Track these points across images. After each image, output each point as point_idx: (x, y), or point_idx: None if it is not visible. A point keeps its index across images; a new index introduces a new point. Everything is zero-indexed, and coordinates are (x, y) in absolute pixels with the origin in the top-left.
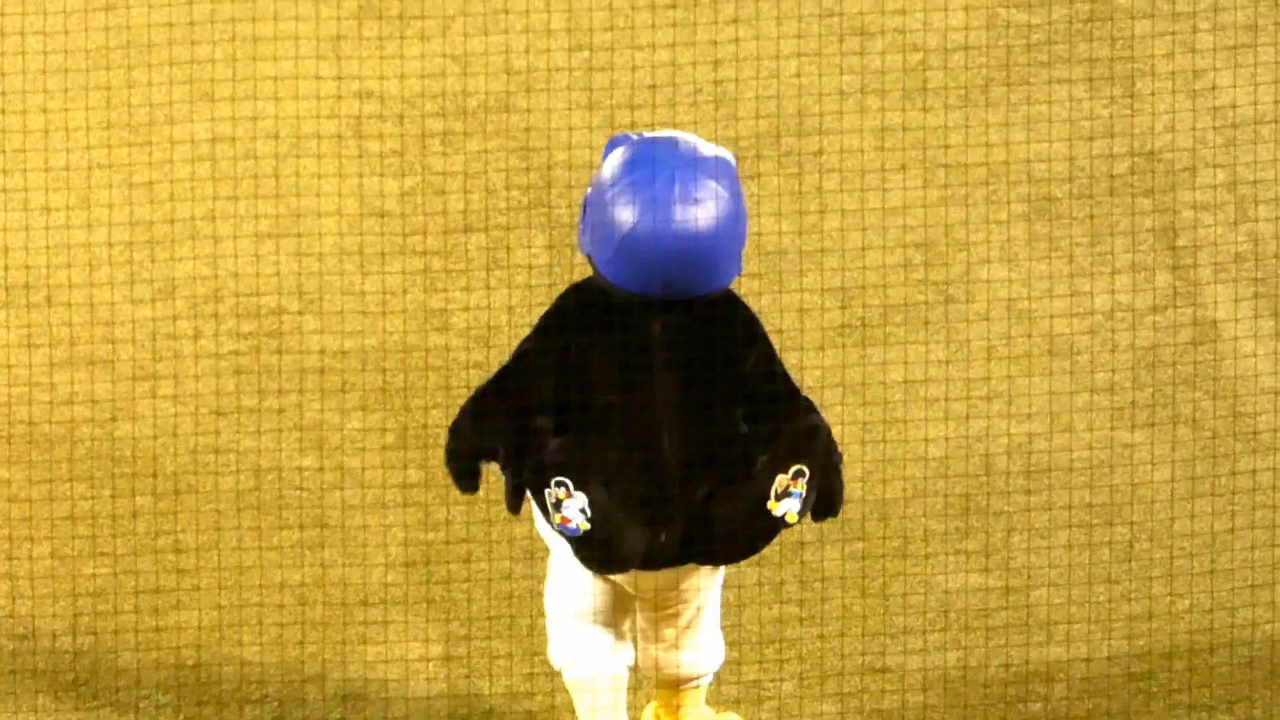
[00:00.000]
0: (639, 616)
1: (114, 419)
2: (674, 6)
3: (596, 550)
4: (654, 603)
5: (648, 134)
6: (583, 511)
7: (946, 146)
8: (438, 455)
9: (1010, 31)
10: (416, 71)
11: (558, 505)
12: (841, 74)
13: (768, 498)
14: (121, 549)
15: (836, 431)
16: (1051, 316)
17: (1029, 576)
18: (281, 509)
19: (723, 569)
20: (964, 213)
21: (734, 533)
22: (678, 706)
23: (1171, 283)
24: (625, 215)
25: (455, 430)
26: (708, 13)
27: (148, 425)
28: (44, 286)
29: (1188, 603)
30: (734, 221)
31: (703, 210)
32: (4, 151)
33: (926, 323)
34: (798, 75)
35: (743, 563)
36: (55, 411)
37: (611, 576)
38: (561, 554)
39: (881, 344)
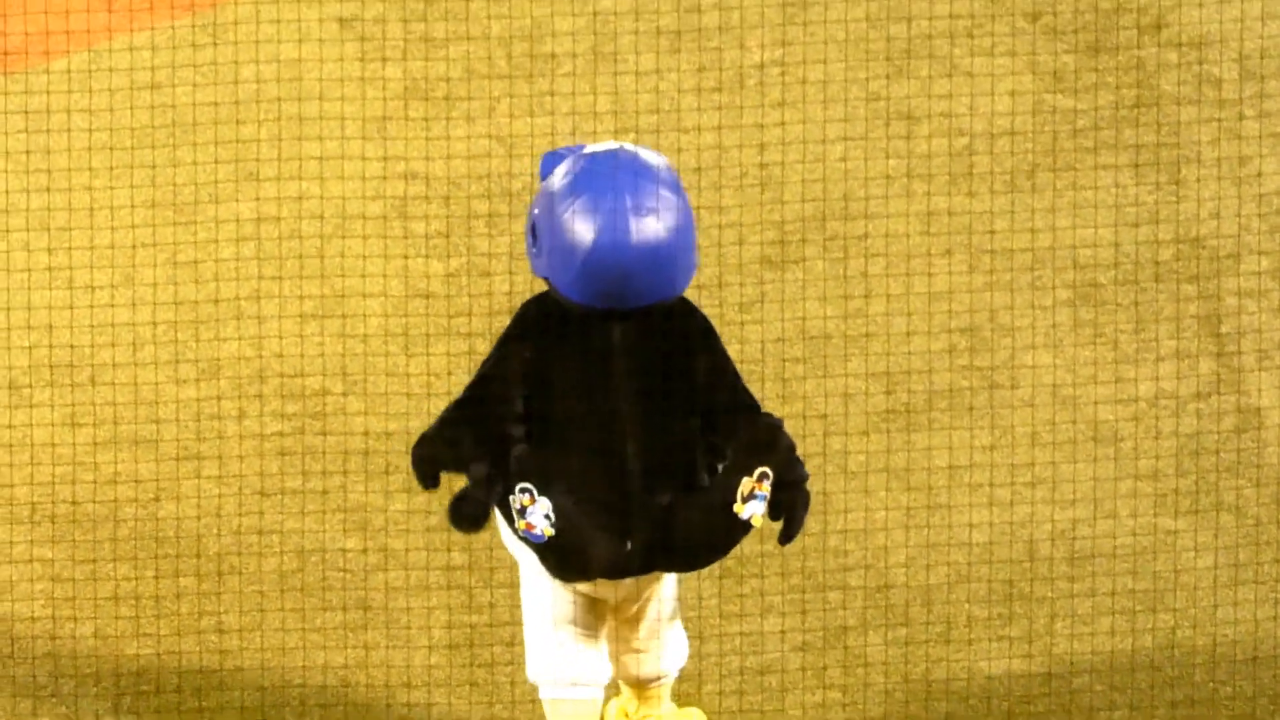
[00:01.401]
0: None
1: (157, 499)
2: (719, 90)
3: (562, 557)
4: (618, 609)
5: (587, 148)
6: (547, 517)
7: (992, 232)
8: (482, 538)
9: (1056, 117)
10: (462, 153)
11: (522, 511)
12: (887, 158)
13: (733, 501)
14: (164, 630)
15: (879, 516)
16: (1095, 403)
17: (1071, 663)
18: (325, 591)
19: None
20: (1009, 298)
21: (698, 539)
22: (642, 704)
23: (1215, 370)
24: (583, 234)
25: (426, 451)
26: (754, 96)
27: (191, 506)
28: (87, 366)
29: (1230, 690)
30: (687, 226)
31: (658, 220)
32: (49, 230)
33: (971, 408)
34: (843, 159)
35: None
36: (98, 491)
37: (578, 585)
38: (530, 564)
39: (926, 429)
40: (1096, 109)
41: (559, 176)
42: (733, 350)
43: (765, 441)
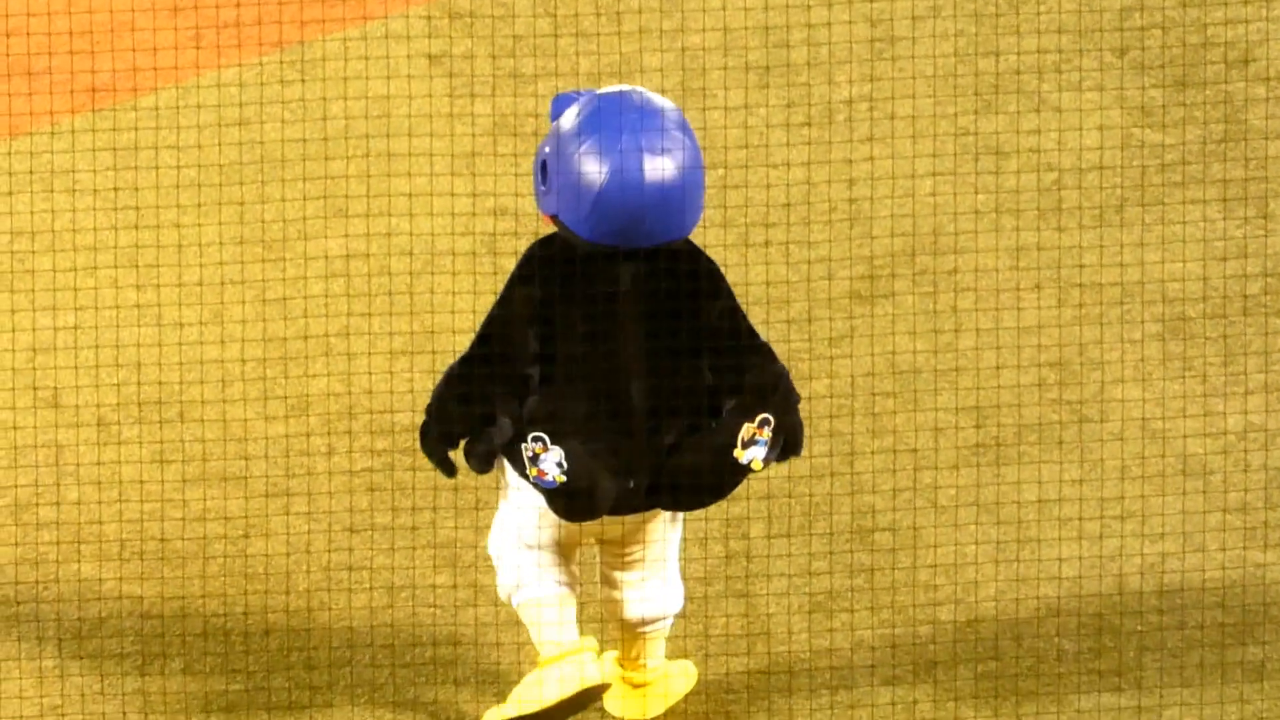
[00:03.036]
0: (600, 562)
1: (247, 536)
2: (809, 124)
3: (570, 501)
4: (616, 548)
5: (598, 91)
6: (559, 465)
7: (1081, 266)
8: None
9: (1144, 152)
10: None
11: (535, 459)
12: (976, 193)
13: (734, 446)
14: (254, 666)
15: (969, 551)
16: (1185, 436)
17: (1161, 696)
18: (415, 626)
19: (682, 515)
20: (1098, 332)
21: (700, 480)
22: (637, 655)
23: None
24: (595, 172)
25: (439, 414)
26: (842, 131)
27: (280, 542)
28: (176, 403)
29: None
30: (696, 168)
31: (669, 159)
32: (137, 267)
33: (1060, 442)
34: (933, 194)
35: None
36: (188, 528)
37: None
38: (520, 496)
39: (1015, 463)
40: (1185, 143)
41: (570, 116)
42: (822, 385)
43: (769, 388)
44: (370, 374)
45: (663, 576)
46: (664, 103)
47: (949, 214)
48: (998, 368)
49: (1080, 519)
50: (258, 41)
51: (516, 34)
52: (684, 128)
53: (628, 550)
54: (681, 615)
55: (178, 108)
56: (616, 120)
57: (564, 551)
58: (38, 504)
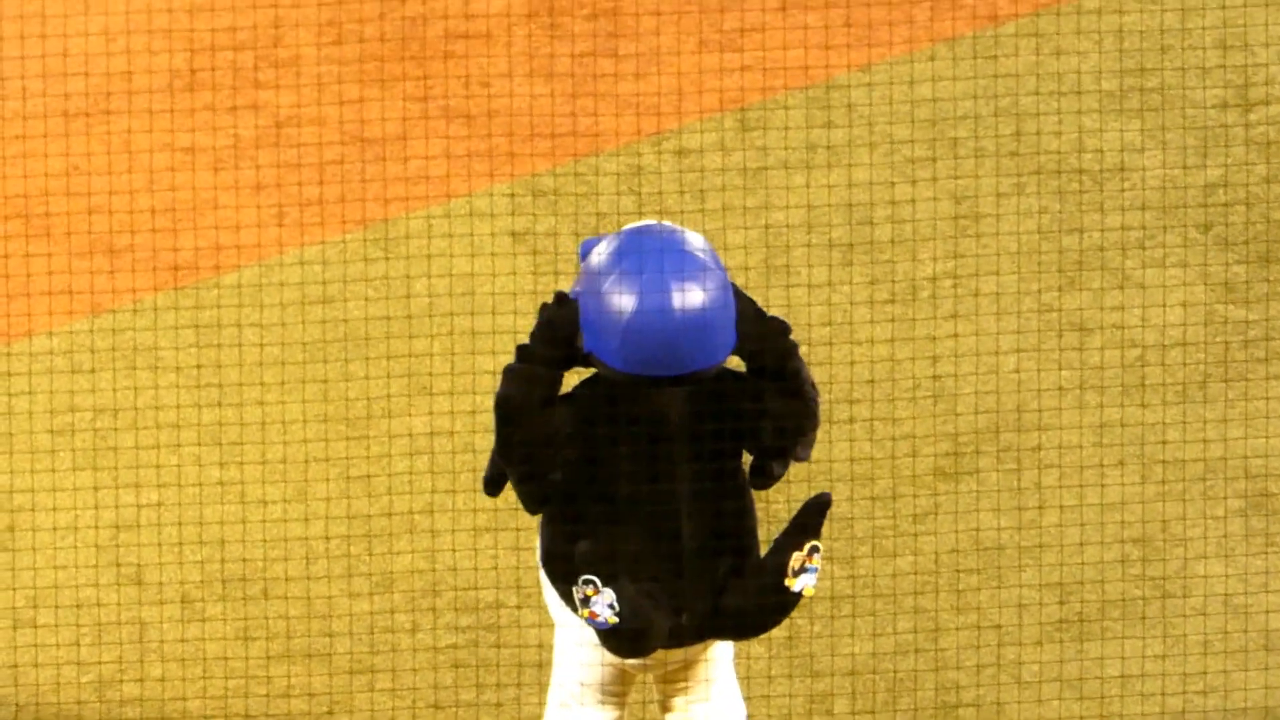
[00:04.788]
0: (654, 690)
1: (331, 713)
2: (892, 301)
3: (622, 640)
4: (666, 676)
5: (624, 228)
6: (611, 606)
7: (1164, 442)
8: None
9: (1228, 328)
10: None
11: (586, 601)
12: (1060, 369)
13: (785, 575)
14: None
15: None
16: (1267, 612)
17: None
18: None
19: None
20: (1181, 508)
21: (750, 610)
22: None
23: None
24: (625, 302)
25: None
26: (926, 308)
27: (365, 719)
28: (260, 579)
29: None
30: (725, 293)
31: (696, 287)
32: (220, 444)
33: (1143, 618)
34: (1016, 371)
35: None
36: (271, 705)
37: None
38: (569, 631)
39: (1099, 639)
40: (1268, 319)
41: (598, 254)
42: (905, 561)
43: (815, 513)
44: (454, 551)
45: (709, 697)
46: (690, 234)
47: (1032, 390)
48: (1081, 544)
49: (1163, 694)
50: (341, 219)
51: (600, 211)
52: (712, 257)
53: (677, 679)
54: None
55: (260, 285)
56: (644, 253)
57: (621, 693)
58: (122, 680)
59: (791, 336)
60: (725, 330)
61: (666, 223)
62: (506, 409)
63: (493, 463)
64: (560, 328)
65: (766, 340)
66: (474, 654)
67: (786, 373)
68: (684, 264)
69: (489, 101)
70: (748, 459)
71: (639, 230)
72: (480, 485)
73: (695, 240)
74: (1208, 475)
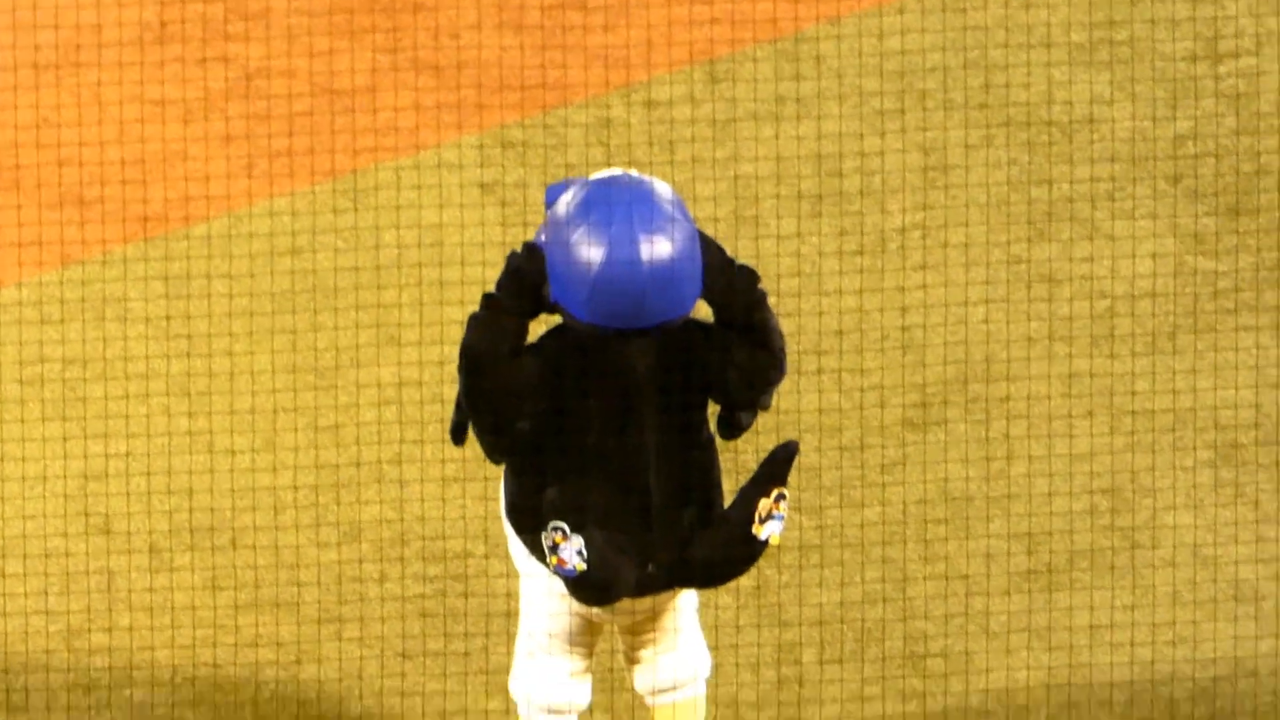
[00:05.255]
0: (619, 640)
1: (299, 662)
2: (861, 253)
3: (590, 588)
4: (632, 627)
5: (590, 177)
6: (579, 554)
7: (1133, 393)
8: (625, 698)
9: (1197, 279)
10: None
11: (554, 548)
12: (1029, 320)
13: (752, 523)
14: None
15: (1021, 676)
16: (1237, 562)
17: None
18: None
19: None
20: (1150, 459)
21: (719, 564)
22: None
23: None
24: (593, 254)
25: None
26: (895, 259)
27: (333, 668)
28: (229, 529)
29: None
30: (693, 245)
31: (665, 238)
32: (189, 395)
33: (1112, 568)
34: (985, 321)
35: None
36: (240, 654)
37: (597, 609)
38: (535, 581)
39: (1067, 589)
40: (1237, 270)
41: (565, 203)
42: (874, 511)
43: (782, 460)
44: (422, 501)
45: (675, 647)
46: (658, 184)
47: (1001, 341)
48: (1049, 494)
49: (1132, 644)
50: (310, 170)
51: (569, 163)
52: (679, 205)
53: (641, 628)
54: (711, 680)
55: (229, 236)
56: (610, 203)
57: (586, 643)
58: (90, 630)
59: (760, 286)
60: (693, 281)
61: (633, 172)
62: (472, 358)
63: (458, 410)
64: (527, 277)
65: (734, 291)
66: (442, 604)
67: (754, 323)
68: (652, 215)
69: (458, 53)
70: (714, 410)
71: (606, 180)
72: (448, 435)
73: (662, 191)
74: (1177, 426)
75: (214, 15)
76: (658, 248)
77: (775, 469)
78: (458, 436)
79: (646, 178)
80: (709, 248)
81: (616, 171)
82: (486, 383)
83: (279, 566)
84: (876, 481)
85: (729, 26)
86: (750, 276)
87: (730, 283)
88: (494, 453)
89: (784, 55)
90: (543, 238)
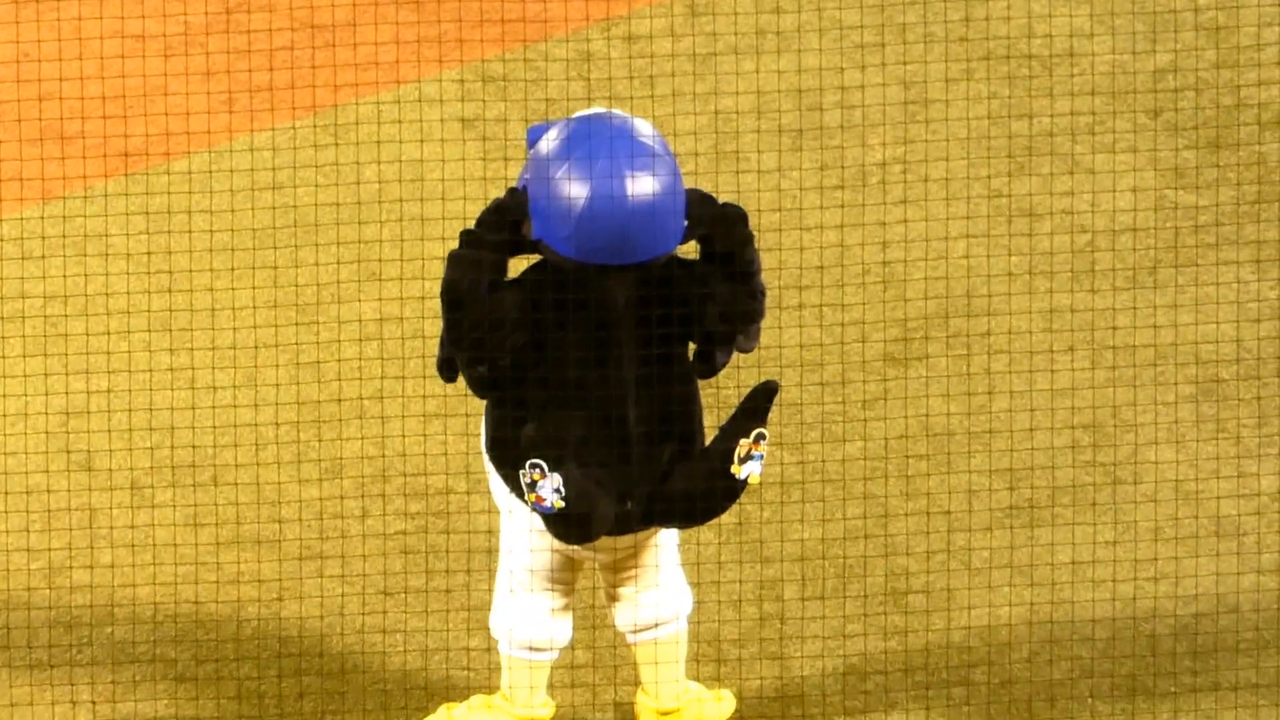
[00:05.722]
0: (600, 578)
1: (280, 599)
2: (842, 187)
3: (568, 525)
4: (613, 565)
5: (573, 116)
6: (557, 491)
7: (1114, 328)
8: (606, 635)
9: (1178, 213)
10: None
11: (532, 485)
12: (1009, 255)
13: (731, 462)
14: None
15: (1002, 612)
16: (1218, 498)
17: None
18: (449, 689)
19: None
20: (1131, 394)
21: (698, 500)
22: (652, 676)
23: None
24: (578, 191)
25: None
26: (875, 194)
27: (314, 605)
28: (209, 466)
29: None
30: (676, 182)
31: (649, 175)
32: (170, 330)
33: (1093, 504)
34: (966, 256)
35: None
36: (221, 591)
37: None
38: (515, 518)
39: (1049, 525)
40: (1218, 205)
41: (548, 140)
42: (855, 447)
43: (763, 397)
44: (404, 437)
45: (656, 584)
46: (639, 122)
47: (982, 276)
48: (1031, 430)
49: (1113, 580)
50: (290, 105)
51: (549, 97)
52: (661, 143)
53: (623, 567)
54: (693, 619)
55: (210, 172)
56: (594, 141)
57: (567, 580)
58: (71, 567)
59: (749, 228)
60: (676, 218)
61: (616, 110)
62: (454, 294)
63: (443, 346)
64: (509, 212)
65: (721, 224)
66: (423, 540)
67: (740, 259)
68: (636, 151)
69: None
70: (693, 347)
71: (589, 118)
72: (432, 371)
73: (645, 128)
74: (1158, 361)
75: None
76: (641, 183)
77: (755, 407)
78: (447, 373)
79: (628, 115)
80: (696, 190)
81: (599, 110)
82: (467, 318)
83: (260, 503)
84: (858, 417)
85: None
86: (739, 213)
87: (717, 215)
88: (478, 387)
89: None
90: (526, 176)
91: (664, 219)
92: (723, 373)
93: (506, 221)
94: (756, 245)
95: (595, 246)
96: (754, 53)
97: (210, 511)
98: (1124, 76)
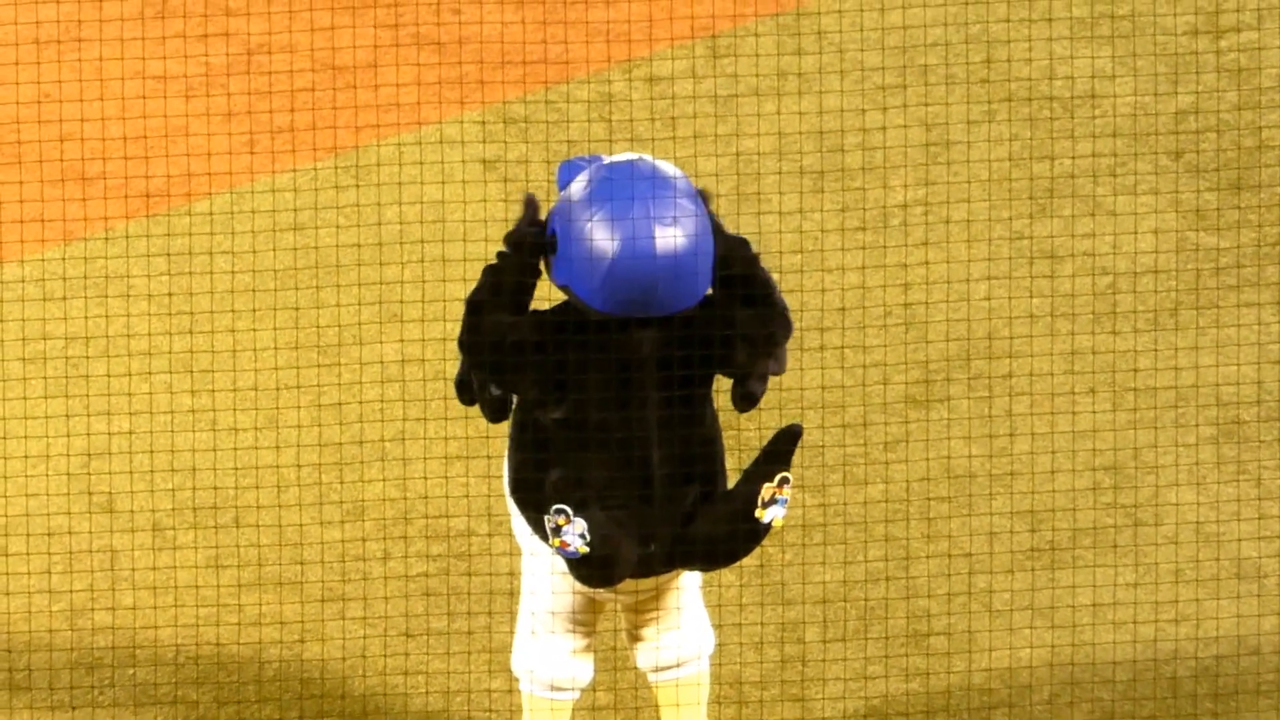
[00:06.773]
0: (622, 618)
1: (302, 641)
2: (863, 229)
3: (592, 570)
4: (636, 606)
5: (605, 159)
6: (582, 536)
7: (1135, 370)
8: (628, 676)
9: (1199, 255)
10: None
11: (557, 530)
12: (1031, 297)
13: (755, 505)
14: None
15: (1024, 655)
16: (1239, 540)
17: None
18: None
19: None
20: (1152, 436)
21: (719, 540)
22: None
23: None
24: (606, 244)
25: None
26: (897, 236)
27: (336, 647)
28: (231, 508)
29: None
30: (706, 235)
31: (679, 229)
32: (192, 372)
33: (1115, 546)
34: (987, 298)
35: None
36: (243, 633)
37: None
38: (537, 559)
39: (1070, 567)
40: (1239, 246)
41: (579, 186)
42: (876, 489)
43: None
44: (425, 479)
45: (678, 625)
46: (672, 170)
47: (1003, 318)
48: (1052, 472)
49: (1134, 622)
50: (312, 147)
51: (571, 139)
52: (693, 196)
53: (644, 606)
54: (715, 660)
55: (232, 213)
56: (627, 190)
57: (588, 621)
58: (93, 609)
59: (753, 250)
60: (705, 274)
61: (647, 157)
62: (475, 302)
63: (462, 363)
64: (527, 238)
65: (733, 248)
66: (445, 582)
67: (756, 280)
68: (664, 204)
69: (460, 29)
70: (720, 386)
71: (621, 166)
72: (455, 412)
73: (678, 179)
74: (1179, 403)
75: None
76: (674, 240)
77: (779, 450)
78: (462, 394)
79: (661, 163)
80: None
81: (631, 156)
82: (484, 326)
83: (282, 545)
84: (879, 459)
85: (731, 1)
86: (741, 239)
87: (728, 241)
88: (491, 411)
89: (786, 30)
90: (555, 220)
91: (694, 275)
92: (743, 415)
93: (527, 249)
94: (765, 266)
95: (623, 300)
96: (775, 94)
97: (232, 553)
98: (1145, 118)
